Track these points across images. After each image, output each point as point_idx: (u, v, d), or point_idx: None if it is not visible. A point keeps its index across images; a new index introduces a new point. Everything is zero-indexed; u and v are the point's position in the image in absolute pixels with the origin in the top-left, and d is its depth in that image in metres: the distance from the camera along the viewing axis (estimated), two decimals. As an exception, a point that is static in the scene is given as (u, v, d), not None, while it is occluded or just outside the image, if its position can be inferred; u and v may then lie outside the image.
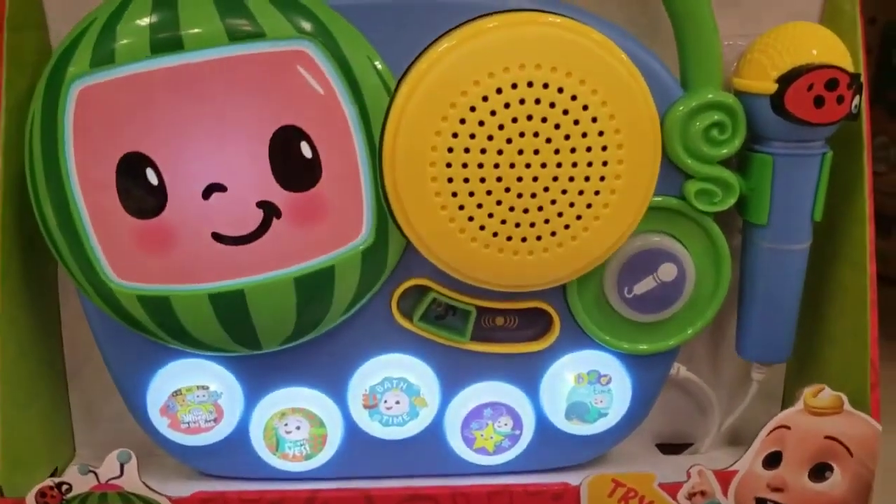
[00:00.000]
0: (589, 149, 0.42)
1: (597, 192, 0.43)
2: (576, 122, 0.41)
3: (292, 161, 0.42)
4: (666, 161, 0.45)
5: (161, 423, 0.48)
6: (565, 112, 0.41)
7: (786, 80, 0.44)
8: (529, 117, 0.41)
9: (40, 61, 0.44)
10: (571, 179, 0.42)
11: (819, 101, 0.44)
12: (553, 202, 0.43)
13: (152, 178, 0.42)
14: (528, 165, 0.42)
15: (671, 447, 0.56)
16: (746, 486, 0.47)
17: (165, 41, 0.41)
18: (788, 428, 0.47)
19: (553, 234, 0.43)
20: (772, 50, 0.45)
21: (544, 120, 0.41)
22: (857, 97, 0.45)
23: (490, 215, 0.42)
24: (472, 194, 0.42)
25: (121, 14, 0.41)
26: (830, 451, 0.47)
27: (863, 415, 0.47)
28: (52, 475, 0.51)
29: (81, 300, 0.47)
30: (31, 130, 0.42)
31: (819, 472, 0.47)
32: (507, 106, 0.41)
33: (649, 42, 0.46)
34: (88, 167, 0.42)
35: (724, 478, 0.47)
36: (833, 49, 0.45)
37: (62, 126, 0.42)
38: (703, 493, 0.47)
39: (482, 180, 0.42)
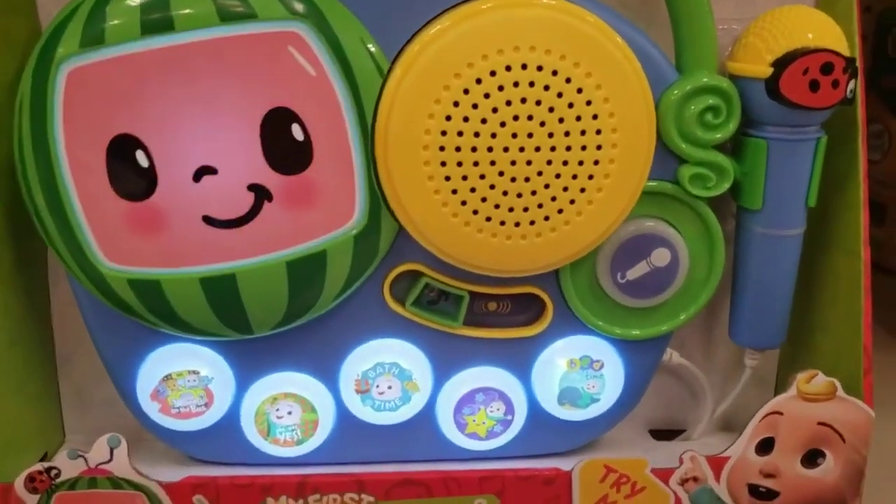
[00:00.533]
0: (583, 132, 0.42)
1: (591, 177, 0.42)
2: (570, 106, 0.41)
3: (284, 144, 0.42)
4: (660, 145, 0.45)
5: (151, 408, 0.48)
6: (560, 95, 0.41)
7: (781, 63, 0.44)
8: (523, 100, 0.41)
9: (30, 44, 0.44)
10: (565, 163, 0.42)
11: (814, 86, 0.44)
12: (546, 186, 0.42)
13: (142, 160, 0.42)
14: (521, 149, 0.41)
15: (663, 433, 0.56)
16: (739, 472, 0.47)
17: (156, 22, 0.40)
18: (781, 414, 0.47)
19: (546, 218, 0.43)
20: (767, 34, 0.45)
21: (538, 103, 0.41)
22: (853, 81, 0.45)
23: (483, 199, 0.42)
24: (465, 178, 0.42)
25: (111, -6, 0.41)
26: (823, 437, 0.47)
27: (856, 401, 0.47)
28: (42, 460, 0.50)
29: (72, 284, 0.47)
30: (20, 113, 0.42)
31: (811, 458, 0.47)
32: (500, 88, 0.40)
33: (644, 25, 0.46)
34: (78, 149, 0.42)
35: (717, 463, 0.47)
36: (828, 33, 0.44)
37: (51, 108, 0.41)
38: (695, 479, 0.47)
39: (475, 164, 0.42)
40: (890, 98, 0.79)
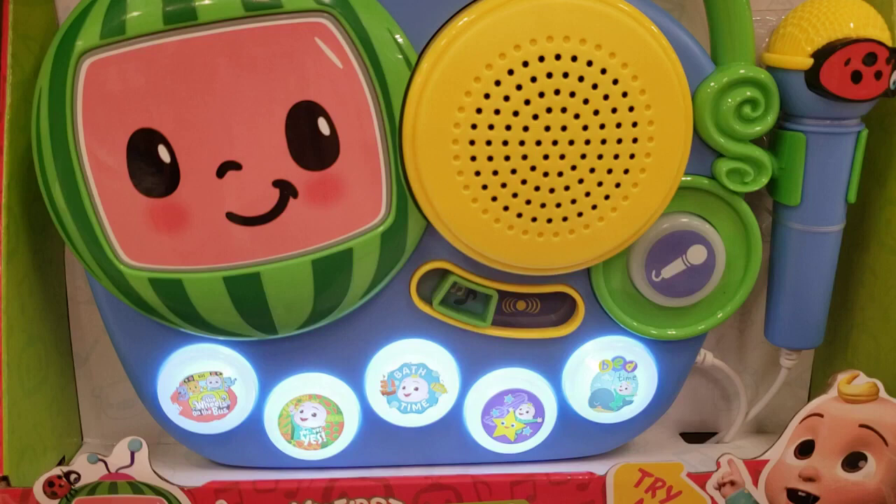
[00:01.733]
0: (619, 125, 0.40)
1: (626, 171, 0.41)
2: (605, 98, 0.40)
3: (310, 138, 0.41)
4: (696, 139, 0.43)
5: (172, 411, 0.47)
6: (594, 87, 0.40)
7: (822, 54, 0.42)
8: (557, 92, 0.39)
9: (47, 36, 0.43)
10: (600, 157, 0.41)
11: (856, 77, 0.42)
12: (580, 181, 0.41)
13: (164, 155, 0.41)
14: (554, 143, 0.40)
15: (695, 436, 0.55)
16: (777, 476, 0.46)
17: (179, 13, 0.39)
18: (821, 416, 0.45)
19: (580, 214, 0.42)
20: (806, 23, 0.43)
21: (572, 95, 0.40)
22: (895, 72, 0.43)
23: (514, 195, 0.41)
24: (495, 173, 0.41)
25: (132, -15, 0.40)
26: (864, 439, 0.45)
27: (899, 402, 0.45)
28: (60, 464, 0.49)
29: (91, 283, 0.46)
30: (38, 107, 0.41)
31: (852, 461, 0.46)
32: (533, 80, 0.39)
33: (676, 16, 0.45)
34: (98, 144, 0.41)
35: (754, 467, 0.46)
36: (871, 22, 0.43)
37: (71, 102, 0.40)
38: (732, 483, 0.46)
39: (507, 158, 0.40)
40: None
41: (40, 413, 0.48)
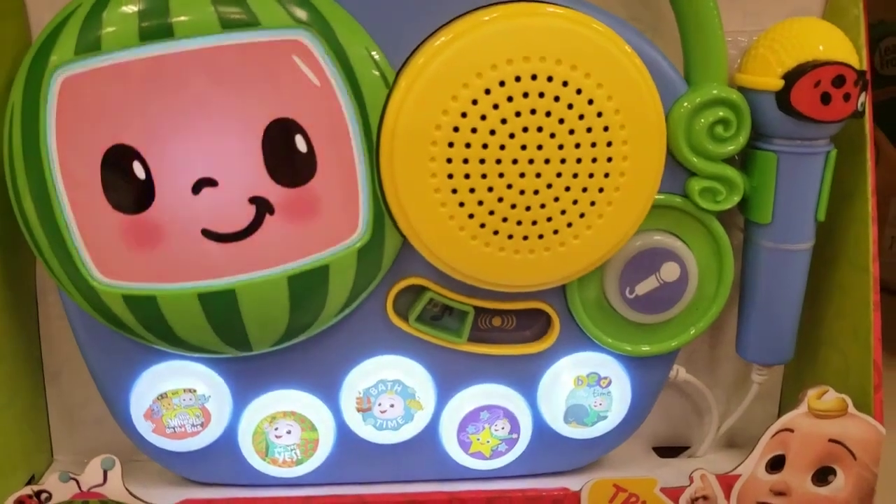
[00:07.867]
0: (594, 144, 0.41)
1: (601, 190, 0.42)
2: (580, 117, 0.40)
3: (286, 155, 0.41)
4: (669, 158, 0.44)
5: (145, 428, 0.46)
6: (570, 106, 0.40)
7: (792, 76, 0.43)
8: (533, 111, 0.40)
9: (19, 51, 0.42)
10: (575, 176, 0.41)
11: (826, 98, 0.43)
12: (556, 199, 0.41)
13: (139, 171, 0.40)
14: (531, 161, 0.40)
15: (667, 450, 0.55)
16: (749, 491, 0.47)
17: (155, 28, 0.39)
18: (792, 431, 0.46)
19: (555, 232, 0.42)
20: (777, 45, 0.44)
21: (548, 114, 0.40)
22: (863, 94, 0.44)
23: (491, 213, 0.41)
24: (472, 191, 0.41)
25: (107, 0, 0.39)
26: (834, 454, 0.46)
27: (867, 417, 0.46)
28: (29, 482, 0.48)
29: (62, 299, 0.45)
30: (11, 122, 0.40)
31: (822, 475, 0.47)
32: (510, 99, 0.39)
33: (650, 36, 0.45)
34: (72, 160, 0.40)
35: (727, 482, 0.46)
36: (839, 45, 0.44)
37: (44, 117, 0.40)
38: (705, 498, 0.46)
39: (483, 176, 0.40)
40: (877, 112, 0.78)
41: (10, 431, 0.48)
